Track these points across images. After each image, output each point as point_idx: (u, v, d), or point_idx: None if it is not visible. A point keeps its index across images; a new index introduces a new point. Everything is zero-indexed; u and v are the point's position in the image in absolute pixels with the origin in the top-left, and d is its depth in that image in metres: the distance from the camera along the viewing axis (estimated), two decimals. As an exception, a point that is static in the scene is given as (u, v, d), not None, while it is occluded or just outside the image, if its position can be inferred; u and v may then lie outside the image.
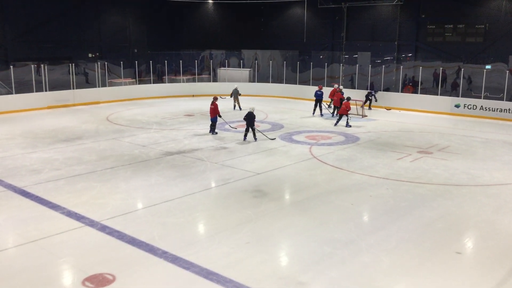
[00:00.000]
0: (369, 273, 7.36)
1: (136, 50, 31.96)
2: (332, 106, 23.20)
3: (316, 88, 23.92)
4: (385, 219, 9.63)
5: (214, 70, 32.74)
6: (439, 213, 9.97)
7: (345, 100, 20.34)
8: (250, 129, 16.79)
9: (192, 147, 15.83)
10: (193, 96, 29.92)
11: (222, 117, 18.34)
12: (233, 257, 7.83)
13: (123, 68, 28.60)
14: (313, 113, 23.16)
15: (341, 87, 24.12)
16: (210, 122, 18.11)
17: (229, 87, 30.46)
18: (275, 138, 17.23)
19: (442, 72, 26.06)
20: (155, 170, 12.99)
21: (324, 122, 21.38)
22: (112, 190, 11.26)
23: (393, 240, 8.56)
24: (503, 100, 23.02)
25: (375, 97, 24.99)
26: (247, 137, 16.87)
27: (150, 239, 8.46)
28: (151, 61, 29.44)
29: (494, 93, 23.80)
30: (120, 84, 28.59)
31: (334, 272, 7.34)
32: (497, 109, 22.71)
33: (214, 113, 17.85)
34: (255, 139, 16.79)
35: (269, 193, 11.19)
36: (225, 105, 23.83)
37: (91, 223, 9.18)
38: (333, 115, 22.33)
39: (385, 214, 9.92)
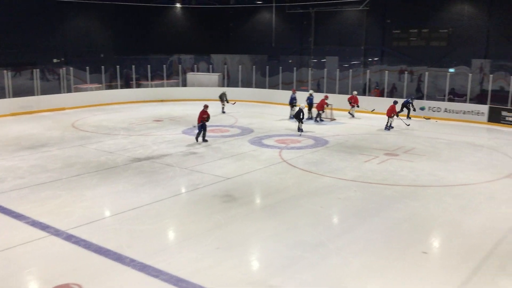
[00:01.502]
0: (338, 275, 7.42)
1: (102, 55, 31.41)
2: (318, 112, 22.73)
3: (289, 92, 24.09)
4: (354, 221, 9.74)
5: (183, 75, 32.52)
6: (406, 214, 10.16)
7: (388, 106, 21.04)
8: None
9: (161, 152, 15.66)
10: (161, 101, 29.64)
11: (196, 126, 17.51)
12: (203, 263, 7.77)
13: (89, 74, 28.07)
14: (290, 117, 23.12)
15: (311, 91, 24.28)
16: (182, 127, 17.89)
17: (198, 92, 30.46)
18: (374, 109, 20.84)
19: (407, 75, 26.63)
20: (123, 177, 12.77)
21: (293, 126, 21.49)
22: (78, 198, 11.01)
23: (362, 242, 8.66)
24: (466, 102, 23.72)
25: (412, 106, 23.41)
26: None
27: (118, 247, 8.30)
28: (118, 66, 28.97)
29: (458, 95, 24.50)
30: (86, 89, 28.02)
31: (304, 275, 7.37)
32: (460, 111, 23.36)
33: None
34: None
35: (239, 198, 11.16)
36: (214, 110, 23.60)
37: (57, 233, 8.94)
38: (316, 120, 22.50)
39: (354, 216, 10.04)
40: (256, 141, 17.72)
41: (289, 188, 12.08)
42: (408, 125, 21.39)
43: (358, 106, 23.85)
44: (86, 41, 31.05)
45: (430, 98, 24.52)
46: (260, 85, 30.73)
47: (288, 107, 23.77)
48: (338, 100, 24.62)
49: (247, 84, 31.43)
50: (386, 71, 26.88)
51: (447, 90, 24.48)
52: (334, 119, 23.09)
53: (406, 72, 26.38)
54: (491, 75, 23.74)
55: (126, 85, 30.54)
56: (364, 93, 27.16)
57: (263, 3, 33.17)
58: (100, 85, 28.80)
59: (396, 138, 18.58)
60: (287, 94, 28.73)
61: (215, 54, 33.91)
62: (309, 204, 10.76)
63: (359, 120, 23.02)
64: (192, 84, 31.95)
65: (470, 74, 24.25)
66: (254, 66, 31.13)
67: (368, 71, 28.34)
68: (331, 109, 23.34)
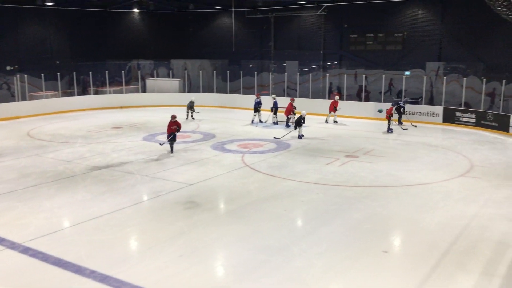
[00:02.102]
0: (302, 277, 7.47)
1: (58, 62, 30.53)
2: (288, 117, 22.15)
3: (251, 96, 24.09)
4: (316, 223, 9.85)
5: (143, 81, 32.06)
6: (366, 214, 10.36)
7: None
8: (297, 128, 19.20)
9: (120, 160, 15.36)
10: (121, 107, 29.11)
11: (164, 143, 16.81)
12: (166, 271, 7.65)
13: (45, 81, 27.22)
14: (253, 122, 23.06)
15: (273, 95, 24.36)
16: (142, 134, 17.58)
17: (159, 98, 30.10)
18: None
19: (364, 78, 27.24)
20: (82, 186, 12.44)
21: (256, 130, 21.59)
22: (35, 210, 10.63)
23: (324, 243, 8.76)
24: (421, 104, 24.46)
25: (403, 109, 22.70)
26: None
27: (77, 259, 8.06)
28: (74, 73, 28.23)
29: (414, 97, 25.23)
30: (41, 97, 27.15)
31: (268, 279, 7.38)
32: (416, 112, 24.07)
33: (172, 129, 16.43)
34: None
35: (202, 204, 11.08)
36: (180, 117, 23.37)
37: (12, 246, 8.60)
38: (288, 125, 21.92)
39: (316, 218, 10.15)
40: (219, 146, 17.66)
41: (252, 192, 12.09)
42: (405, 129, 21.59)
43: (337, 109, 23.42)
44: (41, 47, 30.12)
45: (387, 100, 25.12)
46: (221, 90, 30.70)
47: (251, 112, 23.69)
48: (298, 104, 24.78)
49: (208, 89, 31.33)
50: (345, 75, 27.40)
51: (403, 92, 25.17)
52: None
53: (364, 75, 26.97)
54: (444, 77, 24.58)
55: (84, 92, 29.83)
56: (324, 97, 27.55)
57: (222, 8, 33.17)
58: (56, 92, 27.98)
59: (356, 140, 18.94)
60: (249, 98, 28.90)
61: (175, 60, 33.60)
62: (272, 208, 10.80)
63: (320, 124, 23.32)
64: (152, 90, 31.54)
65: (425, 77, 25.03)
66: (215, 71, 31.06)
67: (327, 74, 28.77)
68: (294, 112, 23.54)
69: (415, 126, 22.44)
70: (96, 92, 29.93)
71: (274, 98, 23.60)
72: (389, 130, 20.97)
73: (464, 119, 22.53)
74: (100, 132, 20.75)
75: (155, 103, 29.58)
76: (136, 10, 33.97)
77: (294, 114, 21.56)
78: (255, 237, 9.11)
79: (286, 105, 22.47)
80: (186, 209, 10.69)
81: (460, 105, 23.29)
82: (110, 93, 30.12)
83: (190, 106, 24.50)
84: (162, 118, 24.22)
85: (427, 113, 23.83)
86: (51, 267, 7.80)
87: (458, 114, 22.89)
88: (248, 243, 8.81)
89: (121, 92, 30.52)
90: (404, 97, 24.38)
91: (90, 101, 28.68)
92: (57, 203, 11.12)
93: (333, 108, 23.45)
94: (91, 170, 14.10)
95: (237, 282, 7.32)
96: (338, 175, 13.64)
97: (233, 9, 31.94)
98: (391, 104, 22.16)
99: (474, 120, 22.15)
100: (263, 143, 18.37)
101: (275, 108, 23.20)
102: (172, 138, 16.46)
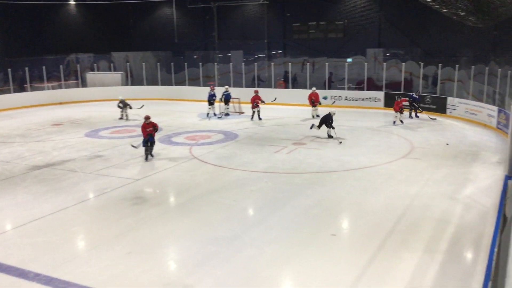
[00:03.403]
0: (253, 266, 7.51)
1: (-9, 58, 28.89)
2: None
3: (197, 88, 23.71)
4: (266, 211, 9.92)
5: (82, 75, 30.91)
6: (315, 200, 10.54)
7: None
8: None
9: (62, 158, 14.78)
10: (60, 103, 27.98)
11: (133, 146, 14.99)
12: (114, 270, 7.46)
13: (-24, 78, 25.72)
14: (208, 115, 22.42)
15: (226, 86, 24.05)
16: (83, 130, 16.97)
17: (100, 92, 29.14)
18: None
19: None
20: (21, 187, 11.87)
21: (204, 121, 21.41)
22: (-30, 215, 10.05)
23: (274, 231, 8.85)
24: (364, 90, 25.14)
25: (418, 102, 21.36)
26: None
27: (20, 262, 7.70)
28: (9, 69, 26.82)
29: (356, 83, 25.89)
30: (-27, 96, 25.66)
31: (219, 271, 7.36)
32: (359, 98, 24.72)
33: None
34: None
35: (149, 199, 10.88)
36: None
37: None
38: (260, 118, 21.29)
39: (266, 207, 10.22)
40: (165, 139, 17.37)
41: (201, 184, 11.99)
42: (434, 119, 20.23)
43: (320, 103, 21.85)
44: (-30, 43, 28.40)
45: (330, 87, 25.63)
46: (166, 82, 30.16)
47: (198, 104, 23.33)
48: (244, 94, 24.82)
49: (152, 81, 30.69)
50: (290, 63, 27.66)
51: (346, 79, 25.76)
52: (243, 112, 23.31)
53: (308, 63, 27.33)
54: (384, 63, 25.36)
55: (20, 88, 28.33)
56: (270, 86, 27.71)
57: (163, -2, 32.55)
58: (-11, 90, 26.48)
59: (303, 128, 19.20)
60: (195, 90, 28.68)
61: (116, 52, 32.62)
62: (222, 199, 10.77)
63: (267, 112, 23.40)
64: (93, 84, 30.49)
65: (366, 63, 25.71)
66: (158, 63, 30.45)
67: (272, 63, 28.94)
68: (239, 102, 23.53)
69: (435, 119, 20.74)
70: (33, 89, 28.55)
71: (227, 90, 23.21)
72: (400, 121, 19.70)
73: (404, 103, 23.32)
74: (40, 130, 19.86)
75: (97, 98, 28.66)
76: (72, 2, 32.63)
77: (258, 107, 20.96)
78: (205, 229, 9.05)
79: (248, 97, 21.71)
80: (133, 205, 10.45)
81: (400, 90, 24.12)
82: (48, 89, 28.83)
83: (124, 105, 21.97)
84: (104, 113, 23.61)
85: (369, 98, 24.53)
86: (-9, 273, 7.41)
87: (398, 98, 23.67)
88: (198, 235, 8.74)
89: (60, 87, 29.33)
90: (417, 91, 22.24)
91: (27, 98, 27.33)
92: (-5, 206, 10.56)
93: (311, 101, 21.77)
94: (31, 170, 13.48)
95: (188, 276, 7.26)
96: (287, 162, 13.79)
97: (174, -1, 31.45)
98: (399, 97, 20.28)
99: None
100: (211, 134, 18.25)
101: (226, 100, 22.83)
102: (150, 143, 14.34)
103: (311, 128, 17.22)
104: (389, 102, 23.88)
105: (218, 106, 23.07)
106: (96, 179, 12.44)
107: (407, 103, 21.28)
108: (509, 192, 10.10)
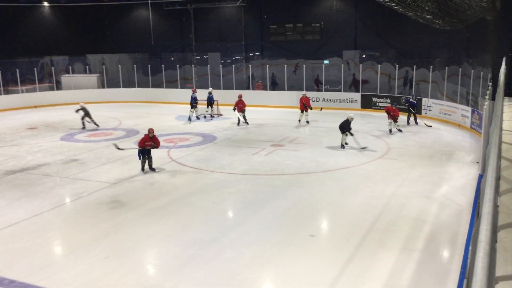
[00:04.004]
0: (232, 268, 7.50)
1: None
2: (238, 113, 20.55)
3: (175, 90, 23.50)
4: (245, 213, 9.92)
5: (57, 78, 30.40)
6: (293, 201, 10.59)
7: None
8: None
9: (37, 162, 14.51)
10: (35, 107, 27.46)
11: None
12: (91, 275, 7.35)
13: None
14: (189, 119, 21.97)
15: (210, 89, 23.81)
16: (59, 134, 16.57)
17: (76, 95, 28.66)
18: (366, 147, 15.47)
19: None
20: (-5, 193, 11.61)
21: (182, 124, 21.29)
22: None
23: (254, 233, 8.86)
24: (341, 92, 25.38)
25: (415, 107, 20.15)
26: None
27: (-7, 270, 7.54)
28: (-19, 72, 26.23)
29: (333, 85, 26.12)
30: None
31: (199, 273, 7.33)
32: (336, 99, 24.96)
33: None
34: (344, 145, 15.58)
35: (127, 203, 10.75)
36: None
37: None
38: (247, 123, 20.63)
39: (245, 209, 10.23)
40: (143, 142, 17.17)
41: (179, 187, 11.92)
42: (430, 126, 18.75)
43: (311, 108, 20.66)
44: None
45: (308, 89, 25.80)
46: (143, 84, 29.90)
47: (176, 106, 23.12)
48: (222, 96, 24.84)
49: (129, 84, 30.37)
50: (267, 65, 27.75)
51: (323, 80, 25.95)
52: (221, 115, 23.28)
53: (285, 65, 27.44)
54: (360, 65, 25.66)
55: (-7, 92, 27.74)
56: (248, 88, 27.74)
57: (138, 0, 32.22)
58: (-40, 94, 25.82)
59: (281, 129, 19.28)
60: (173, 92, 28.52)
61: (92, 54, 32.19)
62: (201, 202, 10.73)
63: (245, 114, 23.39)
64: (68, 87, 30.01)
65: (342, 65, 25.97)
66: (135, 65, 30.17)
67: (250, 65, 28.98)
68: (217, 104, 23.47)
69: (431, 126, 19.42)
70: (7, 92, 27.93)
71: (211, 93, 22.91)
72: (398, 130, 18.28)
73: (381, 104, 23.67)
74: (14, 134, 19.44)
75: (72, 101, 28.10)
76: (46, 4, 32.08)
77: (243, 112, 20.26)
78: (184, 232, 9.00)
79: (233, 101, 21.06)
80: (110, 209, 10.32)
81: (376, 91, 24.44)
82: (22, 92, 28.25)
83: (86, 114, 19.83)
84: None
85: (346, 99, 24.78)
86: (-37, 282, 7.22)
87: (374, 99, 24.02)
88: (177, 239, 8.69)
89: (34, 90, 28.74)
90: (413, 94, 21.30)
91: (0, 102, 26.72)
92: (-33, 212, 10.29)
93: (303, 105, 20.44)
94: (5, 175, 13.18)
95: (167, 279, 7.20)
96: (265, 164, 13.82)
97: (149, 1, 31.16)
98: (392, 104, 19.72)
99: (389, 105, 23.30)
100: (189, 137, 18.17)
101: (210, 102, 22.56)
102: (145, 155, 13.15)
103: (343, 147, 15.41)
104: (366, 103, 24.23)
105: (200, 109, 22.83)
106: (72, 184, 12.25)
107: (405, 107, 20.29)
108: (482, 190, 10.34)
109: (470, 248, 7.05)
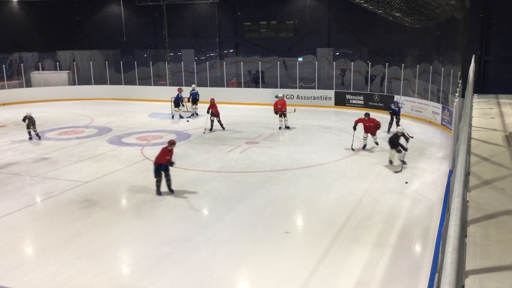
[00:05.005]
0: (207, 266, 7.47)
1: None
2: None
3: (151, 87, 23.07)
4: (220, 211, 9.89)
5: (26, 75, 29.63)
6: (268, 198, 10.62)
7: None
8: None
9: (6, 161, 14.12)
10: (3, 104, 26.71)
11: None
12: (63, 275, 7.21)
13: None
14: (173, 117, 21.72)
15: (193, 85, 23.52)
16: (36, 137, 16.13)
17: (46, 92, 28.03)
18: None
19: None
20: (-39, 193, 11.26)
21: (156, 122, 21.06)
22: None
23: (229, 230, 8.84)
24: (315, 89, 25.53)
25: (398, 116, 17.59)
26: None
27: (-40, 273, 7.31)
28: None
29: (307, 82, 26.26)
30: None
31: (173, 272, 7.28)
32: (310, 97, 25.10)
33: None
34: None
35: (100, 202, 10.58)
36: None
37: None
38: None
39: (220, 206, 10.19)
40: (115, 140, 16.96)
41: (153, 185, 11.74)
42: (412, 137, 14.85)
43: (285, 116, 18.68)
44: None
45: (283, 86, 25.88)
46: (115, 81, 29.40)
47: (150, 104, 22.81)
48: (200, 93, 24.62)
49: (100, 81, 29.84)
50: (242, 62, 27.69)
51: (297, 78, 26.06)
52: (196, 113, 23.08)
53: (259, 62, 27.44)
54: (334, 62, 25.87)
55: (-42, 89, 26.86)
56: (222, 85, 27.62)
57: (111, -4, 31.72)
58: None
59: (256, 127, 19.28)
60: (145, 89, 28.20)
61: (62, 51, 31.47)
62: (175, 200, 10.64)
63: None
64: (38, 84, 29.29)
65: (316, 62, 26.13)
66: (106, 62, 29.64)
67: (224, 63, 28.84)
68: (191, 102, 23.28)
69: (412, 137, 14.96)
70: (-26, 89, 27.10)
71: (194, 89, 22.64)
72: (375, 143, 15.33)
73: (354, 101, 23.93)
74: (-20, 132, 18.88)
75: (42, 98, 27.58)
76: (14, -1, 31.21)
77: (218, 116, 18.60)
78: (158, 231, 8.92)
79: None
80: (82, 208, 10.14)
81: (350, 88, 24.68)
82: (-10, 89, 27.46)
83: (32, 123, 17.16)
84: (50, 114, 22.75)
85: (320, 97, 24.95)
86: None
87: (348, 97, 24.25)
88: (151, 238, 8.60)
89: (2, 87, 27.94)
90: (396, 101, 18.95)
91: (-34, 99, 25.94)
92: None
93: (280, 110, 18.62)
94: (-29, 174, 12.80)
95: (141, 279, 7.12)
96: (240, 161, 13.80)
97: (122, -4, 30.71)
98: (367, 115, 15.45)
99: (362, 102, 23.63)
100: (163, 134, 17.98)
101: (194, 99, 22.27)
102: (162, 173, 11.12)
103: (398, 172, 12.57)
104: (340, 100, 24.43)
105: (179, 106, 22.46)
106: (42, 183, 11.98)
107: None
108: (451, 185, 10.56)
109: (441, 242, 7.21)
